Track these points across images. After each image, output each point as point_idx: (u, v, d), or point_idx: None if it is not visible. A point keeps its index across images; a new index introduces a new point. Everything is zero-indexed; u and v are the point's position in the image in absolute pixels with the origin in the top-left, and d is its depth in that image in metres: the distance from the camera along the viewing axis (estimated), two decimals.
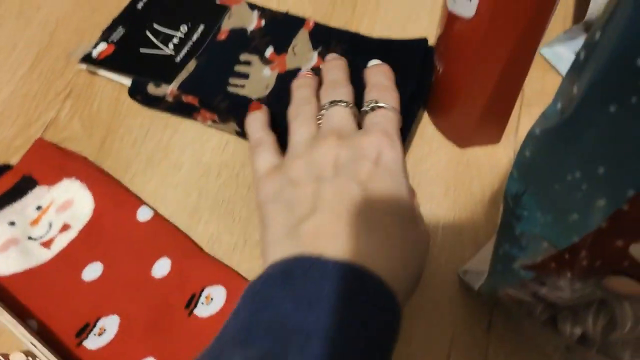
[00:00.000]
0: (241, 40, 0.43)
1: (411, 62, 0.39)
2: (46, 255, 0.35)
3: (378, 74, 0.36)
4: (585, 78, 0.17)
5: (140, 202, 0.38)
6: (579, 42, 0.43)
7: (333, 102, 0.34)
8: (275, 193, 0.30)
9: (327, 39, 0.43)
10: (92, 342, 0.33)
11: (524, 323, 0.34)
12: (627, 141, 0.17)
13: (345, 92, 0.35)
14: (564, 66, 0.43)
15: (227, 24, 0.45)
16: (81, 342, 0.33)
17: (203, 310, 0.33)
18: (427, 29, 0.45)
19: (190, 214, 0.39)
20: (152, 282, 0.34)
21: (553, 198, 0.21)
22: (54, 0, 0.50)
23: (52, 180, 0.38)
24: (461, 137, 0.40)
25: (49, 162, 0.39)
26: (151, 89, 0.41)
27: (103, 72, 0.44)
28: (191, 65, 0.42)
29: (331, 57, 0.40)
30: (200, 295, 0.34)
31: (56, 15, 0.49)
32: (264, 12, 0.46)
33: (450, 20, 0.33)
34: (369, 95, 0.35)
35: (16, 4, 0.50)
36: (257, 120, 0.36)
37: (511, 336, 0.34)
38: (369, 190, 0.28)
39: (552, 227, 0.22)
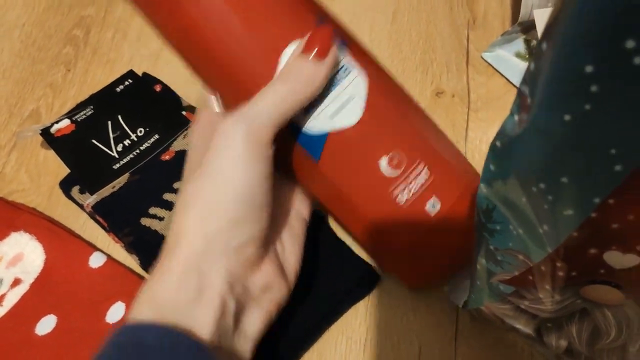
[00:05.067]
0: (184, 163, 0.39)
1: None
2: None
3: None
4: (538, 89, 0.17)
5: (92, 248, 0.37)
6: (518, 43, 0.44)
7: None
8: None
9: None
10: None
11: (509, 335, 0.33)
12: (585, 149, 0.16)
13: None
14: (506, 68, 0.44)
15: (178, 144, 0.41)
16: None
17: None
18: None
19: None
20: (107, 328, 0.33)
21: (522, 210, 0.21)
22: None
23: (0, 235, 0.37)
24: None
25: None
26: (75, 192, 0.39)
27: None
28: (122, 179, 0.39)
29: None
30: None
31: None
32: None
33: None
34: None
35: None
36: None
37: (479, 340, 0.33)
38: None
39: (525, 240, 0.22)
